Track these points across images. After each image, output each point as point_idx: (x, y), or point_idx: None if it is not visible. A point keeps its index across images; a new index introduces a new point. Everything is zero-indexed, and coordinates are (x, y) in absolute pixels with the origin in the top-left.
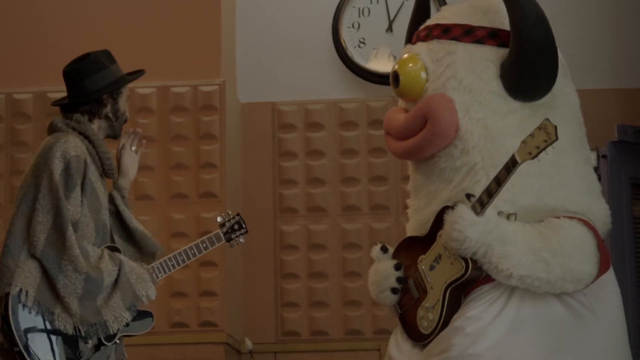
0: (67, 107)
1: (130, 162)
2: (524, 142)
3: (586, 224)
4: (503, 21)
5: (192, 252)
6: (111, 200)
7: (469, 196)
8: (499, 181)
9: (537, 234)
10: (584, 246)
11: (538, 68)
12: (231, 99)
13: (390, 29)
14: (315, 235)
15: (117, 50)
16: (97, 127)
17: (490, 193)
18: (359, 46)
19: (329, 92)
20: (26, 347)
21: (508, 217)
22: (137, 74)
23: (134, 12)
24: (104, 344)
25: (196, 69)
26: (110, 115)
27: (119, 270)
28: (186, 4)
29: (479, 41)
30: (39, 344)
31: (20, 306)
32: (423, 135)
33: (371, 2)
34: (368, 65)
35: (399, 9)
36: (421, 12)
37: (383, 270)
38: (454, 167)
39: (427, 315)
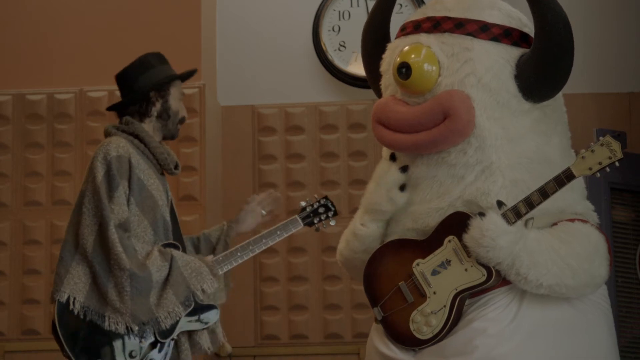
0: (119, 110)
1: (252, 217)
2: (582, 156)
3: (598, 228)
4: (510, 20)
5: (264, 241)
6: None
7: (500, 204)
8: (545, 194)
9: (558, 240)
10: (601, 250)
11: (561, 70)
12: (211, 102)
13: None
14: (295, 238)
15: (96, 51)
16: (151, 128)
17: (531, 204)
18: (339, 49)
19: (309, 95)
20: (73, 351)
21: (526, 222)
22: (188, 74)
23: (114, 15)
24: (160, 341)
25: (176, 71)
26: (159, 113)
27: (170, 265)
28: (166, 8)
29: (495, 39)
30: (87, 348)
31: (67, 312)
32: (440, 131)
33: (351, 5)
34: (348, 69)
35: None
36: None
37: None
38: (466, 164)
39: (427, 320)
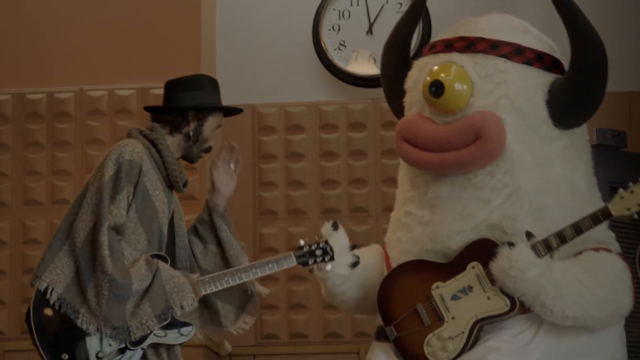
0: (155, 114)
1: (225, 178)
2: (620, 196)
3: (621, 256)
4: (542, 45)
5: (254, 271)
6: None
7: (529, 235)
8: (579, 229)
9: (583, 271)
10: (625, 279)
11: (594, 98)
12: None
13: (370, 31)
14: (295, 237)
15: (96, 50)
16: (175, 142)
17: (564, 239)
18: (339, 48)
19: (309, 94)
20: (41, 341)
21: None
22: (235, 110)
23: (114, 14)
24: (130, 349)
25: (176, 71)
26: (191, 134)
27: (154, 276)
28: (166, 7)
29: (529, 62)
30: (57, 340)
31: (44, 301)
32: (470, 152)
33: (351, 5)
34: (348, 68)
35: (380, 11)
36: (415, 16)
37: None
38: (493, 187)
39: (444, 345)
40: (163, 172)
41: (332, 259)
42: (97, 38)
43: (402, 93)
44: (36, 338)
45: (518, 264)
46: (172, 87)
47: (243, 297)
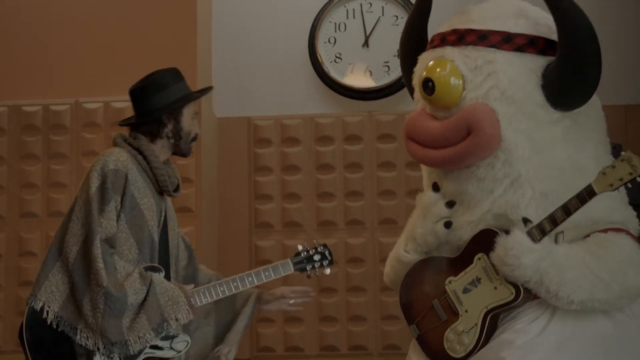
0: (132, 126)
1: (278, 304)
2: (603, 172)
3: (632, 236)
4: (537, 28)
5: (250, 279)
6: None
7: (525, 221)
8: (568, 211)
9: (589, 253)
10: (637, 260)
11: (587, 78)
12: (207, 113)
13: (366, 44)
14: (291, 250)
15: (92, 62)
16: (160, 146)
17: (555, 221)
18: (335, 61)
19: (305, 107)
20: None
21: (556, 236)
22: (202, 92)
23: (110, 26)
24: None
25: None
26: (171, 135)
27: (148, 289)
28: (163, 20)
29: (519, 49)
30: (50, 359)
31: (38, 320)
32: (465, 146)
33: (347, 17)
34: (344, 81)
35: (375, 24)
36: (422, 13)
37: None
38: (495, 178)
39: (460, 339)
40: (152, 179)
41: (330, 263)
42: (92, 50)
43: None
44: (29, 357)
45: (513, 251)
46: (138, 94)
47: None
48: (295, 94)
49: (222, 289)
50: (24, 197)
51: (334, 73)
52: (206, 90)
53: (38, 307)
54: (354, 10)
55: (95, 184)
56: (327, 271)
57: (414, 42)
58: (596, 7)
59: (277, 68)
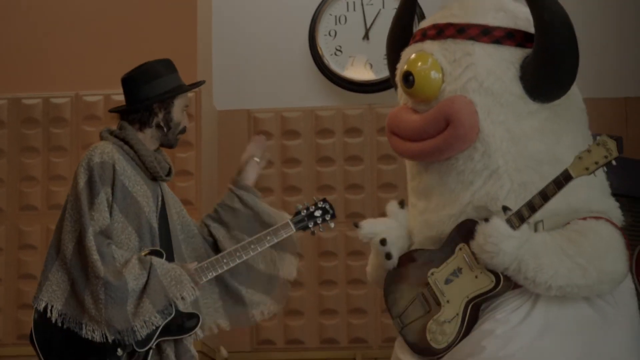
0: (122, 114)
1: (249, 168)
2: (579, 157)
3: (611, 222)
4: (516, 21)
5: (253, 247)
6: (236, 197)
7: (505, 209)
8: (545, 196)
9: (567, 240)
10: (615, 245)
11: (563, 69)
12: (207, 106)
13: (366, 36)
14: None
15: (92, 55)
16: (148, 135)
17: (533, 207)
18: (335, 54)
19: (305, 99)
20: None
21: (536, 225)
22: (194, 85)
23: (110, 19)
24: (137, 350)
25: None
26: (162, 124)
27: (149, 273)
28: (162, 12)
29: (497, 41)
30: (63, 357)
31: (44, 320)
32: (444, 138)
33: (348, 10)
34: (344, 73)
35: (376, 16)
36: (408, 11)
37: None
38: (474, 170)
39: (442, 329)
40: (141, 166)
41: (333, 216)
42: (92, 43)
43: None
44: (42, 358)
45: (492, 238)
46: (130, 82)
47: (268, 282)
48: (295, 86)
49: (225, 260)
50: (23, 190)
51: (334, 66)
52: (198, 84)
53: (41, 307)
54: (354, 2)
55: (82, 179)
56: (332, 224)
57: (399, 38)
58: (596, 0)
59: (277, 61)
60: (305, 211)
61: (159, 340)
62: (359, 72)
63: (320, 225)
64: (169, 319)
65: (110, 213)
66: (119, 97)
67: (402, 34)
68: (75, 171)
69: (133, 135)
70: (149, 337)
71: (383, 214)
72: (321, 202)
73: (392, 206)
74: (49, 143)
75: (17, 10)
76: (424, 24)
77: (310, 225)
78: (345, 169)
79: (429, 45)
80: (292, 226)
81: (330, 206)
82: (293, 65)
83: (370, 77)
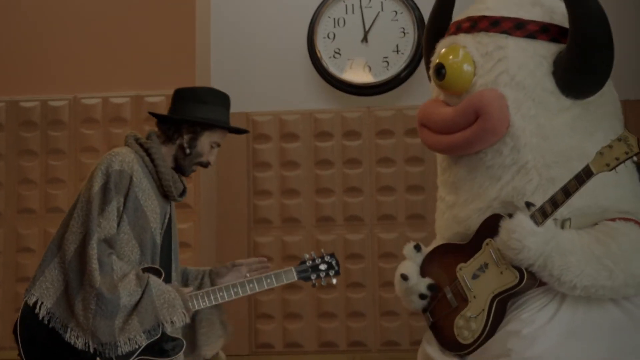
0: (158, 120)
1: (233, 276)
2: (600, 152)
3: None
4: (552, 16)
5: (251, 286)
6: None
7: (528, 204)
8: (567, 192)
9: (595, 240)
10: None
11: (598, 66)
12: None
13: (365, 39)
14: (290, 246)
15: (90, 58)
16: (169, 152)
17: (555, 203)
18: (334, 56)
19: (304, 102)
20: (28, 356)
21: (563, 222)
22: (238, 131)
23: (109, 22)
24: None
25: (170, 79)
26: (185, 146)
27: (144, 291)
28: (161, 15)
29: (531, 35)
30: (43, 356)
31: (32, 315)
32: (473, 131)
33: (347, 13)
34: (343, 76)
35: (375, 19)
36: (446, 3)
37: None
38: (502, 165)
39: (468, 325)
40: (157, 182)
41: (337, 273)
42: (91, 46)
43: None
44: (22, 353)
45: (515, 234)
46: (177, 96)
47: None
48: (294, 89)
49: (221, 294)
50: (21, 193)
51: (332, 68)
52: (240, 130)
53: (31, 302)
54: (353, 5)
55: (98, 183)
56: (334, 281)
57: (436, 31)
58: None
59: (275, 63)
60: (310, 262)
61: (139, 358)
62: (358, 75)
63: (323, 279)
64: (153, 339)
65: (119, 223)
66: (117, 100)
67: (440, 27)
68: (92, 171)
69: (157, 149)
70: (129, 354)
71: (382, 217)
72: (328, 257)
73: (409, 250)
74: (47, 146)
75: (15, 13)
76: (458, 17)
77: (312, 278)
78: (344, 171)
79: (463, 38)
80: (295, 274)
81: (337, 262)
82: (292, 68)
83: (369, 79)
